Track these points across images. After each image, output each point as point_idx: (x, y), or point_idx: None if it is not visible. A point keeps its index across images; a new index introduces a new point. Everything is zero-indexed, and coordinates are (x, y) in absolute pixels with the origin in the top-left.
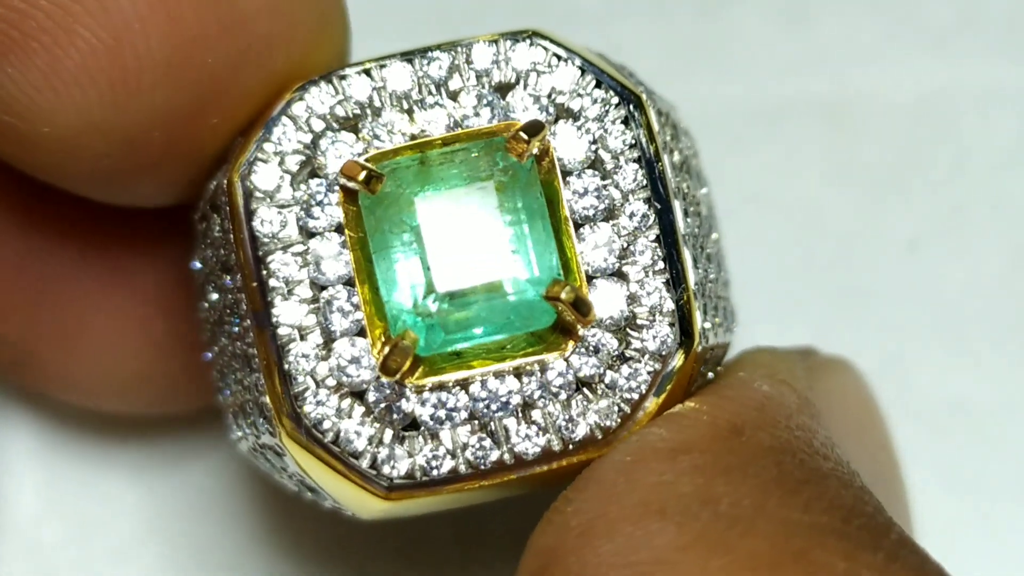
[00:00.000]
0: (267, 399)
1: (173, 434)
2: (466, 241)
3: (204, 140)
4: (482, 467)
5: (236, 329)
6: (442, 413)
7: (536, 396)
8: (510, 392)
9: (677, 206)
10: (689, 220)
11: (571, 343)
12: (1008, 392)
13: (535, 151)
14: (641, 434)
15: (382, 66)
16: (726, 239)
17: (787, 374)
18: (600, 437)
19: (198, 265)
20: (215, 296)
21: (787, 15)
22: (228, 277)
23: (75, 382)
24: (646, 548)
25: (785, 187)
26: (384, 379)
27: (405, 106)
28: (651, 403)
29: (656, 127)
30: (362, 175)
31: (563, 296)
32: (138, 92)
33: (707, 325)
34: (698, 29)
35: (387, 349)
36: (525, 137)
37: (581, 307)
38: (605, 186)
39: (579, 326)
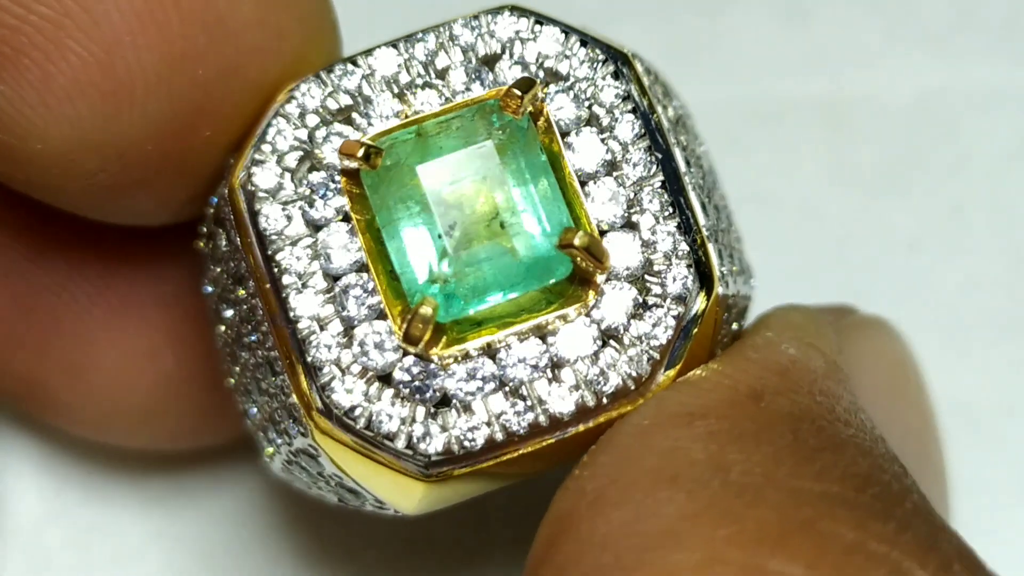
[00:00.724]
0: (294, 399)
1: None
2: (473, 203)
3: (197, 154)
4: (518, 432)
5: (255, 338)
6: (472, 385)
7: (563, 354)
8: (537, 353)
9: (678, 153)
10: (692, 169)
11: (591, 293)
12: (1008, 392)
13: (530, 108)
14: (660, 397)
15: (368, 54)
16: None
17: (816, 336)
18: (633, 388)
19: (209, 289)
20: (230, 312)
21: (786, 15)
22: (240, 287)
23: (84, 415)
24: (655, 517)
25: (785, 187)
26: (409, 355)
27: (395, 90)
28: (680, 348)
29: (646, 81)
30: (361, 151)
31: (576, 242)
32: (130, 106)
33: (724, 270)
34: (697, 29)
35: (408, 317)
36: (518, 93)
37: (596, 251)
38: (604, 140)
39: (597, 272)
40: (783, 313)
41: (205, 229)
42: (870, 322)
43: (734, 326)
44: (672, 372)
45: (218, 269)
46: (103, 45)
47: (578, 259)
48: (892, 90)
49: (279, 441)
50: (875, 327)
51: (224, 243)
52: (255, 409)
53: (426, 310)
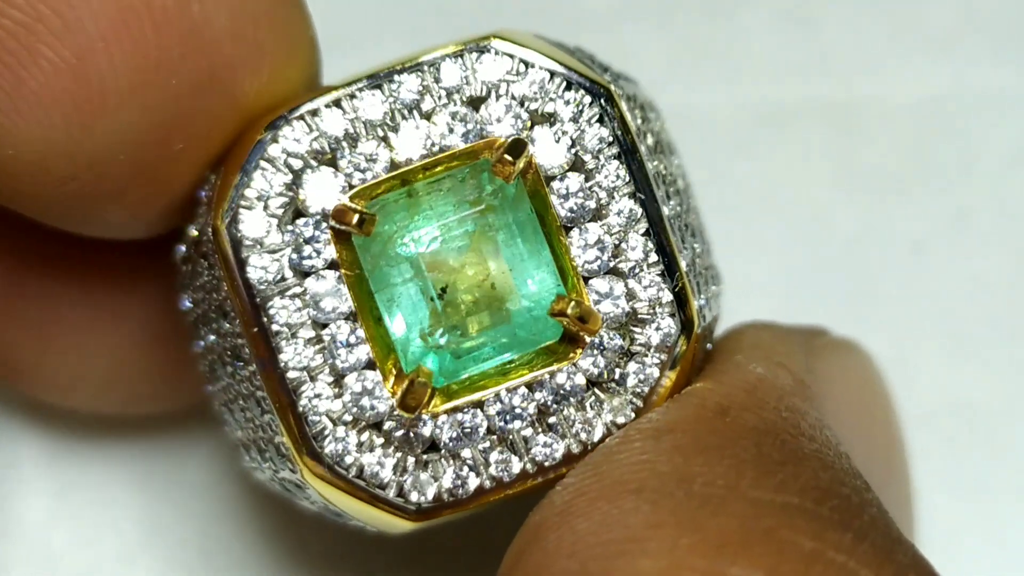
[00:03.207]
0: (285, 439)
1: (180, 439)
2: (464, 268)
3: (171, 166)
4: (506, 480)
5: (242, 372)
6: (461, 433)
7: (550, 403)
8: (524, 402)
9: (660, 195)
10: (671, 202)
11: (579, 351)
12: (1012, 394)
13: (521, 168)
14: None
15: (352, 96)
16: (732, 241)
17: (785, 355)
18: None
19: (188, 304)
20: (212, 338)
21: (793, 19)
22: (225, 322)
23: (53, 379)
24: (620, 526)
25: (791, 190)
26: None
27: (380, 133)
28: (662, 388)
29: (628, 117)
30: (355, 219)
31: (568, 312)
32: (102, 113)
33: (702, 302)
34: (704, 33)
35: (403, 387)
36: (510, 159)
37: (587, 318)
38: (590, 187)
39: (586, 336)
40: (753, 332)
41: (183, 250)
42: (840, 344)
43: (707, 346)
44: (655, 403)
45: (200, 295)
46: (76, 51)
47: (569, 325)
48: (898, 93)
49: (264, 465)
50: (845, 349)
51: (207, 275)
52: (237, 428)
53: (422, 381)
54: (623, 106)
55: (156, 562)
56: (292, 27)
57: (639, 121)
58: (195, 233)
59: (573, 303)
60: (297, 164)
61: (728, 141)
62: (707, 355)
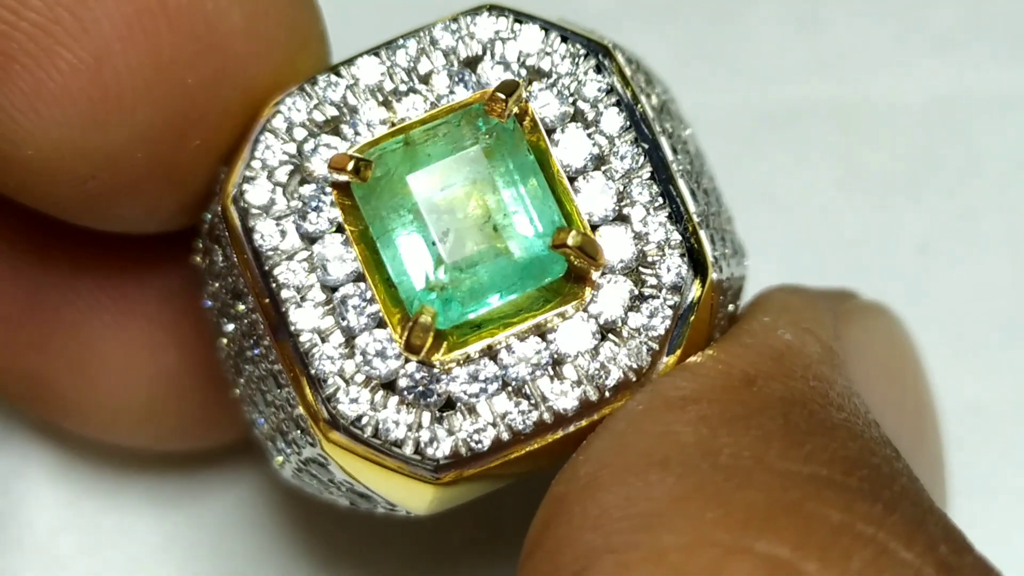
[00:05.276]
0: (301, 410)
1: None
2: (465, 208)
3: (187, 162)
4: (524, 431)
5: (258, 351)
6: (475, 387)
7: (564, 350)
8: (538, 352)
9: (664, 142)
10: (679, 156)
11: (587, 290)
12: (1019, 395)
13: (515, 109)
14: (656, 383)
15: (350, 63)
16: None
17: (813, 321)
18: (635, 380)
19: (209, 303)
20: (231, 327)
21: (798, 20)
22: (240, 303)
23: (88, 413)
24: (645, 499)
25: (796, 191)
26: (411, 361)
27: (380, 98)
28: (679, 337)
29: (628, 72)
30: (350, 165)
31: (570, 242)
32: (119, 112)
33: (717, 254)
34: (710, 34)
35: (408, 326)
36: (502, 96)
37: (589, 249)
38: (590, 135)
39: (591, 270)
40: (781, 296)
41: (201, 245)
42: (870, 307)
43: (730, 308)
44: (672, 359)
45: (216, 284)
46: (93, 52)
47: (572, 258)
48: (904, 94)
49: (288, 451)
50: (874, 313)
51: (221, 259)
52: (262, 420)
53: (425, 319)
54: (621, 59)
55: (167, 570)
56: (303, 22)
57: (642, 82)
58: (207, 220)
59: (574, 232)
60: (300, 133)
61: (732, 142)
62: (731, 318)
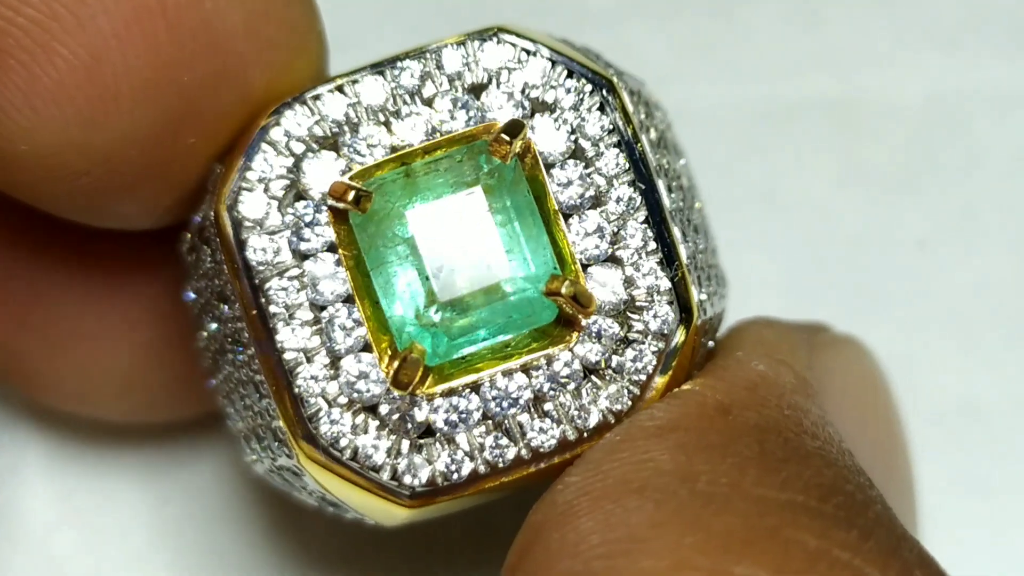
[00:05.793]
0: (281, 423)
1: (185, 442)
2: (460, 247)
3: (182, 160)
4: (500, 465)
5: (241, 357)
6: (456, 417)
7: (546, 389)
8: (520, 388)
9: (661, 184)
10: (673, 195)
11: (575, 334)
12: (1018, 391)
13: (518, 150)
14: (634, 415)
15: (354, 81)
16: (736, 238)
17: (787, 353)
18: (613, 421)
19: (192, 296)
20: (214, 326)
21: (797, 16)
22: (226, 307)
23: (65, 387)
24: (623, 525)
25: (795, 187)
26: (396, 392)
27: (382, 118)
28: (659, 381)
29: (631, 108)
30: (351, 195)
31: (563, 291)
32: (116, 110)
33: (703, 296)
34: (709, 30)
35: (396, 364)
36: (507, 138)
37: (582, 299)
38: (588, 174)
39: (581, 317)
40: (755, 329)
41: (188, 239)
42: (842, 340)
43: (709, 344)
44: (652, 400)
45: (202, 283)
46: (90, 49)
47: (564, 305)
48: (903, 90)
49: (263, 455)
50: (846, 345)
51: (209, 261)
52: (238, 418)
53: (415, 357)
54: (625, 97)
55: (162, 565)
56: (301, 21)
57: (642, 116)
58: (199, 221)
59: (568, 282)
60: (299, 148)
61: (732, 138)
62: (709, 353)
